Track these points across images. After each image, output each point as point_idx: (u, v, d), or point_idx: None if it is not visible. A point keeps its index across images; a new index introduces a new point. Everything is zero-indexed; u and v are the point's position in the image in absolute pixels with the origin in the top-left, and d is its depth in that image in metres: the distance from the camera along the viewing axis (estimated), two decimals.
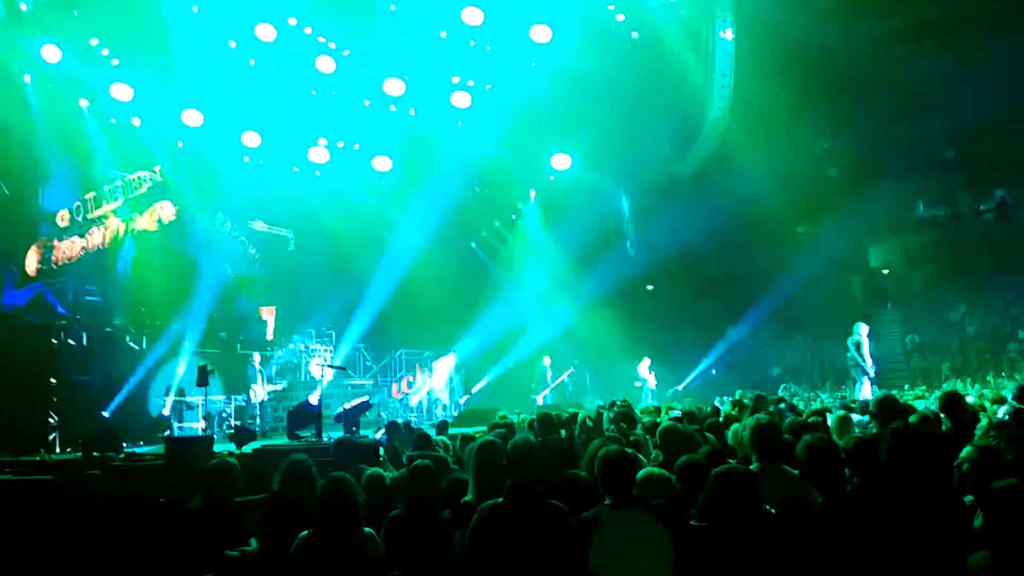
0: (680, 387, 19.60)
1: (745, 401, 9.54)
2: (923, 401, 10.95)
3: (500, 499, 3.85)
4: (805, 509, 3.79)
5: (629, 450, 4.48)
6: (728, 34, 15.44)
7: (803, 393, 18.25)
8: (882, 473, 4.01)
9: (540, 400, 16.55)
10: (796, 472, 4.28)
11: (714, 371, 19.70)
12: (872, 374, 13.81)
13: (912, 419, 6.04)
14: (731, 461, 4.75)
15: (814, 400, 16.07)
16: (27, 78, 13.53)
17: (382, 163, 18.50)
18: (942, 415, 6.33)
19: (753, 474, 3.88)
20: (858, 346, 13.84)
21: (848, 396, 14.07)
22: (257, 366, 14.79)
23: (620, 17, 16.06)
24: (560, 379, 17.32)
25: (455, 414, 16.32)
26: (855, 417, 7.36)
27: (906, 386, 16.68)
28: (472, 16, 15.18)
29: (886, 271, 23.54)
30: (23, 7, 12.65)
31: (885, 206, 21.45)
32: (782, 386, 18.56)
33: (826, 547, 3.41)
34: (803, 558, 3.42)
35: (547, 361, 17.36)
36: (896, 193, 21.76)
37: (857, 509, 3.51)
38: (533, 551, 3.69)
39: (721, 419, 8.07)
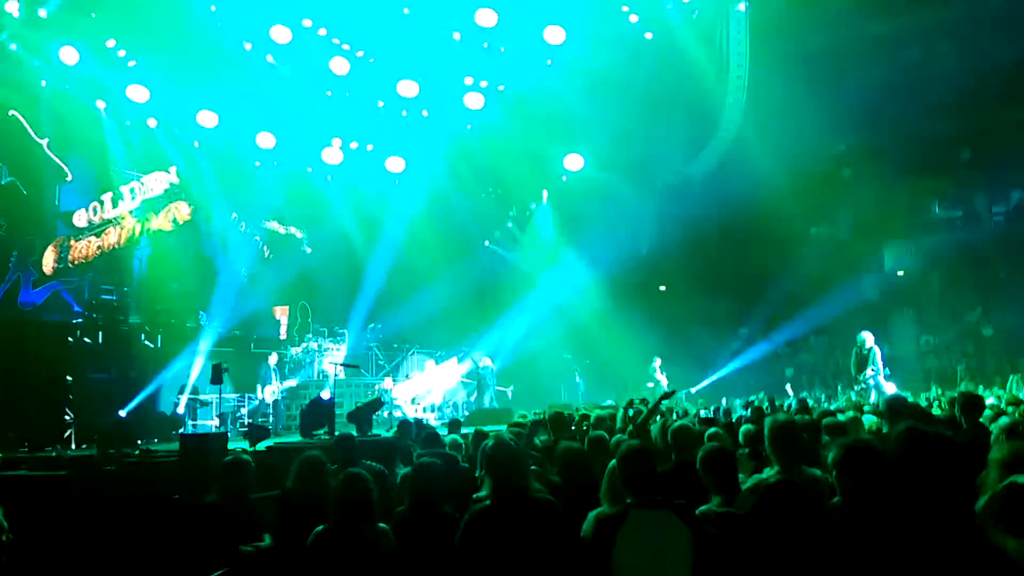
0: (693, 389, 19.49)
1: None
2: (937, 406, 10.84)
3: (488, 501, 3.84)
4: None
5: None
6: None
7: (816, 394, 18.12)
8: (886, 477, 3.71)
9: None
10: (817, 472, 4.29)
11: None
12: (885, 379, 13.78)
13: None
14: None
15: (826, 402, 15.95)
16: (43, 83, 13.71)
17: (395, 164, 18.61)
18: (959, 417, 6.26)
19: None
20: (868, 356, 13.79)
21: (858, 398, 13.97)
22: (271, 365, 14.89)
23: (634, 18, 16.06)
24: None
25: (467, 413, 16.34)
26: (867, 419, 7.30)
27: (922, 388, 16.53)
28: (486, 17, 15.25)
29: (901, 272, 23.32)
30: (42, 13, 12.79)
31: (900, 207, 21.26)
32: (787, 384, 18.51)
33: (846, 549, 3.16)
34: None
35: (483, 361, 17.42)
36: (912, 194, 21.56)
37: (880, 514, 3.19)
38: (523, 551, 3.66)
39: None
